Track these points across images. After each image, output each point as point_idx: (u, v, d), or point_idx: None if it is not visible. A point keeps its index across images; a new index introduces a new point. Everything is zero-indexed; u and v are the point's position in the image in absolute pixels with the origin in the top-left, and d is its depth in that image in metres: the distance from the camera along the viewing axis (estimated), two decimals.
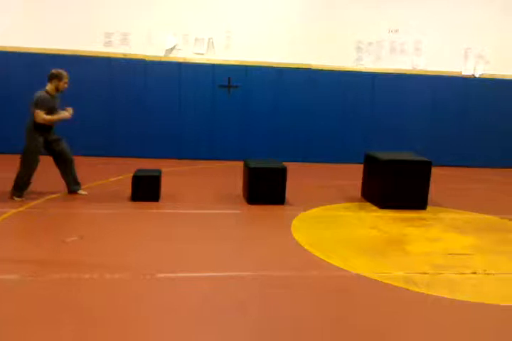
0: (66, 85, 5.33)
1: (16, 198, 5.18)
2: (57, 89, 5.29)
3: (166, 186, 5.79)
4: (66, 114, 5.34)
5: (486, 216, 5.48)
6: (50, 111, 5.21)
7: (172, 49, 9.04)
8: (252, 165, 5.51)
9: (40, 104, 5.10)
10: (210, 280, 3.22)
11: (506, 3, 9.62)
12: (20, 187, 5.23)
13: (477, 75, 9.73)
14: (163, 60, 8.99)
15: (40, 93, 5.17)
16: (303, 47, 9.25)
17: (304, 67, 9.29)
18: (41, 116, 5.10)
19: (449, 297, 3.11)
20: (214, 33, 9.09)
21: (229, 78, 9.13)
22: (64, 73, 5.27)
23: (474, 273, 3.59)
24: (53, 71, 5.27)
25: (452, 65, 9.65)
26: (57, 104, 5.36)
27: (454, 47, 9.64)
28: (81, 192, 5.62)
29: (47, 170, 6.18)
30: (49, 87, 5.24)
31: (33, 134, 5.22)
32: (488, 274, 3.58)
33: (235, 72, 9.15)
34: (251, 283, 3.21)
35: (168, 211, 5.04)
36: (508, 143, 9.98)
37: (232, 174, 7.23)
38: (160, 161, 8.32)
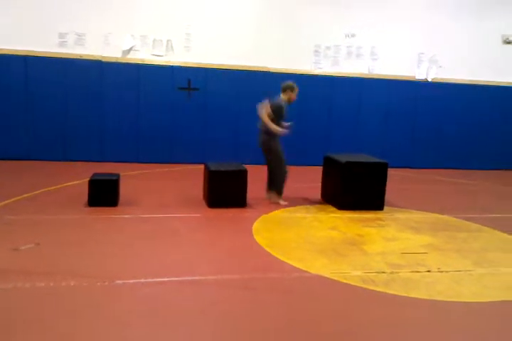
0: (296, 98, 5.73)
1: (282, 202, 5.74)
2: (288, 100, 5.67)
3: (124, 191, 5.69)
4: (282, 131, 5.55)
5: (440, 215, 5.69)
6: (280, 118, 5.56)
7: (129, 50, 8.90)
8: (213, 168, 5.49)
9: (274, 110, 5.48)
10: (170, 285, 3.19)
11: (457, 9, 10.02)
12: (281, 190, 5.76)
13: (430, 79, 10.08)
14: (120, 61, 8.84)
15: (278, 100, 5.60)
16: (262, 50, 9.31)
17: (263, 70, 9.35)
18: (265, 118, 5.46)
19: (405, 295, 3.21)
20: (173, 35, 9.01)
21: (189, 80, 9.08)
22: (296, 86, 5.70)
23: (429, 271, 3.72)
24: (290, 83, 5.71)
25: (406, 69, 9.96)
26: (285, 115, 5.66)
27: (408, 51, 9.96)
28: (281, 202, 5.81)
29: (1, 176, 5.96)
30: (282, 96, 5.66)
31: (274, 144, 5.65)
32: (441, 272, 3.71)
33: (195, 74, 9.10)
34: (212, 287, 3.20)
35: (127, 216, 4.95)
36: (459, 146, 10.38)
37: (192, 177, 7.18)
38: (118, 165, 8.16)
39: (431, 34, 9.97)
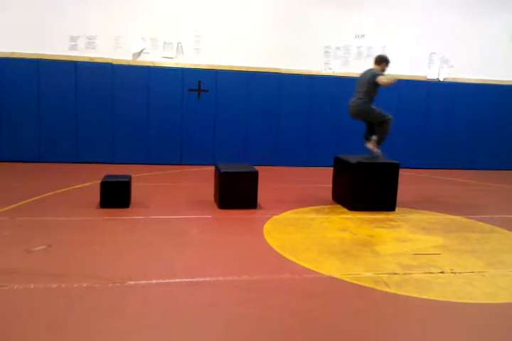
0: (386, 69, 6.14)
1: (377, 151, 6.02)
2: (382, 71, 6.03)
3: (135, 192, 5.72)
4: (394, 79, 5.83)
5: (452, 216, 5.63)
6: (377, 86, 5.92)
7: (140, 53, 8.96)
8: (223, 169, 5.50)
9: (379, 73, 5.86)
10: (181, 286, 3.19)
11: (468, 9, 9.94)
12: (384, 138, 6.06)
13: (441, 79, 10.01)
14: (131, 63, 8.90)
15: (373, 69, 6.00)
16: (272, 51, 9.32)
17: (273, 71, 9.36)
18: (384, 78, 5.79)
19: (418, 296, 3.18)
20: (183, 37, 9.06)
21: (199, 82, 9.11)
22: (389, 59, 6.12)
23: (442, 272, 3.68)
24: (383, 55, 6.18)
25: (417, 69, 9.90)
26: None
27: (419, 51, 9.90)
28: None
29: (14, 178, 6.02)
30: (376, 67, 6.03)
31: (370, 106, 5.97)
32: (454, 273, 3.67)
33: (205, 76, 9.13)
34: (222, 288, 3.20)
35: (139, 217, 4.97)
36: (470, 146, 10.29)
37: (203, 179, 7.20)
38: (129, 167, 8.22)
39: (442, 34, 9.91)
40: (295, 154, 9.63)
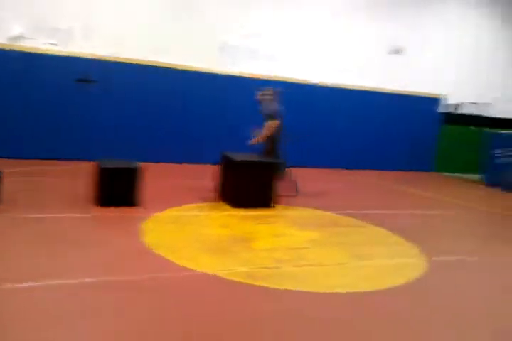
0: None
1: None
2: None
3: (8, 188, 5.30)
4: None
5: (325, 212, 6.04)
6: None
7: (18, 37, 8.30)
8: (103, 165, 5.33)
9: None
10: (56, 288, 3.06)
11: (353, 16, 10.65)
12: None
13: (329, 84, 10.59)
14: (7, 48, 8.21)
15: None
16: (165, 45, 9.16)
17: (165, 66, 9.22)
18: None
19: (284, 288, 3.39)
20: (71, 23, 8.54)
21: (86, 72, 8.67)
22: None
23: (310, 265, 3.96)
24: None
25: (303, 73, 10.37)
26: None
27: (305, 55, 10.39)
28: None
29: None
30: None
31: None
32: (322, 266, 3.97)
33: (93, 66, 8.71)
34: (99, 289, 3.13)
35: (6, 214, 4.63)
36: (349, 145, 11.05)
37: (83, 175, 6.89)
38: (4, 161, 7.61)
39: (327, 38, 10.51)
40: (183, 150, 9.59)
